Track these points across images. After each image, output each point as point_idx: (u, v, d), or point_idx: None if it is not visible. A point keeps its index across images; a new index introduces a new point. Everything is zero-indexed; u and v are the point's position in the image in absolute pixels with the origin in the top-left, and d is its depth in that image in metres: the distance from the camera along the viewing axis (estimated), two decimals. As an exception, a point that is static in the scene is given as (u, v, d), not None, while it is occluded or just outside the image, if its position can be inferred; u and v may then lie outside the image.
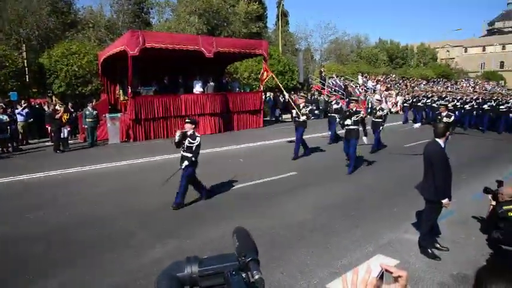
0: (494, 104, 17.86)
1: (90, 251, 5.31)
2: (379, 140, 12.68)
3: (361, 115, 9.64)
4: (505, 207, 4.83)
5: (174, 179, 7.40)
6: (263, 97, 21.08)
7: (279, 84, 15.49)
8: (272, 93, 23.60)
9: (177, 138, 7.06)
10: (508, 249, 4.82)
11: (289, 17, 42.20)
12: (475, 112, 18.38)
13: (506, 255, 4.83)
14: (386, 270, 1.13)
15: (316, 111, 23.39)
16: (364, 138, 10.13)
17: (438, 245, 5.16)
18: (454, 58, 71.39)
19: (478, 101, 19.00)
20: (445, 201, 4.83)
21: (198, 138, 6.99)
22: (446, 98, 20.47)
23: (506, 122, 17.24)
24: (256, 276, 0.94)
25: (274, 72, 25.40)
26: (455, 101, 19.52)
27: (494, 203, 5.12)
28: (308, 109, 11.92)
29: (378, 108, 13.02)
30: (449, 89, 34.07)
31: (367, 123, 10.76)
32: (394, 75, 39.86)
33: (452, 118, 9.85)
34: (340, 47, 43.51)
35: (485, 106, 17.81)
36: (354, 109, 9.84)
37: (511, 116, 17.25)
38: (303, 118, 11.21)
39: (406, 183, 8.16)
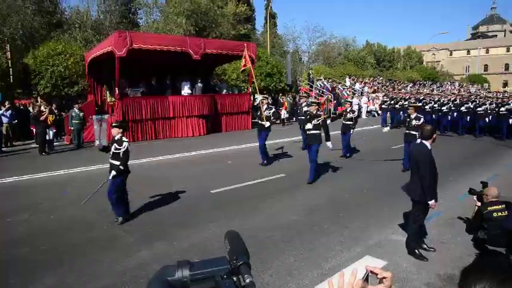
0: (471, 106, 17.61)
1: (76, 254, 5.23)
2: (348, 145, 11.99)
3: (322, 118, 8.93)
4: (489, 208, 4.93)
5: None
6: (251, 99, 21.09)
7: (255, 83, 15.24)
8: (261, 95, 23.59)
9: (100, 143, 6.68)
10: (492, 249, 4.91)
11: (278, 19, 42.43)
12: (451, 114, 18.03)
13: (491, 255, 4.92)
14: (371, 272, 1.16)
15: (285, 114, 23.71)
16: (329, 143, 9.13)
17: (425, 246, 5.22)
18: (439, 61, 72.58)
19: (455, 102, 18.69)
20: (431, 202, 4.89)
21: (125, 144, 6.27)
22: (424, 100, 20.14)
23: (486, 124, 17.12)
24: (247, 280, 0.93)
25: (262, 75, 25.56)
26: (433, 103, 19.21)
27: (479, 204, 5.22)
28: (271, 112, 11.28)
29: (348, 110, 12.27)
30: (435, 91, 34.51)
31: (329, 125, 10.35)
32: (381, 78, 40.30)
33: (422, 121, 9.49)
34: (328, 50, 43.80)
35: (463, 108, 17.48)
36: (315, 112, 9.12)
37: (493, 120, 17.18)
38: (267, 124, 10.66)
39: (392, 185, 8.26)
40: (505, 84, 67.75)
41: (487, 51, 75.20)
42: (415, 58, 54.39)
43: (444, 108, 18.10)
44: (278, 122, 11.95)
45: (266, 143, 11.06)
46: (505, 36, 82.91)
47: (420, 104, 16.66)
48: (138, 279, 4.50)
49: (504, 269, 1.00)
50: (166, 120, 16.79)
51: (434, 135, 5.06)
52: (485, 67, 73.63)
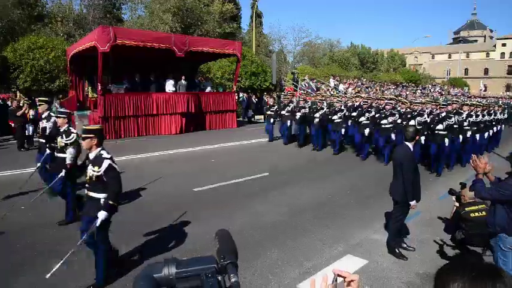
0: (375, 114, 11.97)
1: (60, 251, 5.05)
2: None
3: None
4: (467, 209, 5.04)
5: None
6: (236, 97, 21.07)
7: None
8: (245, 94, 23.63)
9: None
10: (470, 249, 5.04)
11: (264, 18, 42.44)
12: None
13: (468, 254, 5.04)
14: (339, 275, 1.18)
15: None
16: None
17: (405, 245, 5.32)
18: (422, 64, 73.93)
19: (360, 109, 12.77)
20: (412, 203, 4.98)
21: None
22: (314, 105, 13.69)
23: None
24: (233, 280, 0.95)
25: (247, 73, 25.55)
26: (326, 109, 13.13)
27: (457, 204, 5.34)
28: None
29: (62, 131, 6.40)
30: (417, 93, 34.96)
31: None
32: (365, 79, 40.73)
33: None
34: (313, 50, 44.06)
35: (363, 118, 12.07)
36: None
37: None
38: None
39: (376, 185, 8.40)
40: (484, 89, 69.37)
41: (468, 56, 77.04)
42: (398, 60, 55.18)
43: (335, 117, 12.72)
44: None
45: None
46: (485, 41, 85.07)
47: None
48: (127, 277, 4.45)
49: (475, 266, 1.05)
50: (149, 117, 16.61)
51: (417, 137, 5.16)
52: (466, 71, 75.41)
